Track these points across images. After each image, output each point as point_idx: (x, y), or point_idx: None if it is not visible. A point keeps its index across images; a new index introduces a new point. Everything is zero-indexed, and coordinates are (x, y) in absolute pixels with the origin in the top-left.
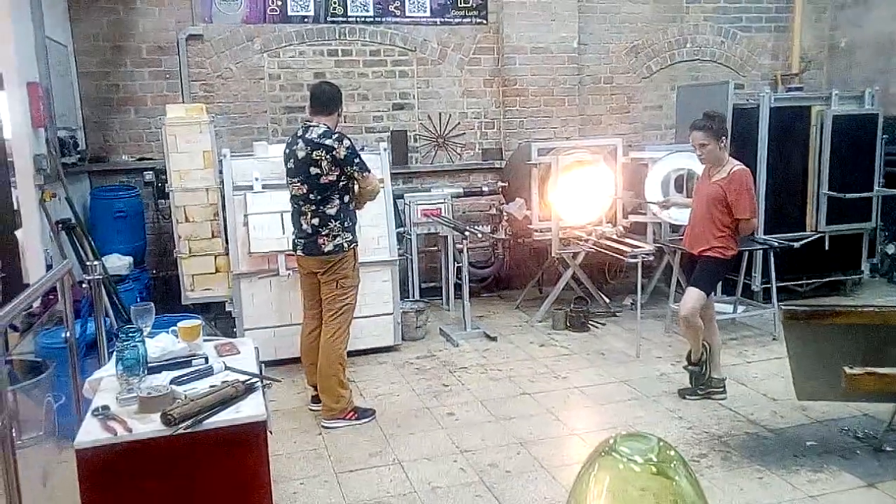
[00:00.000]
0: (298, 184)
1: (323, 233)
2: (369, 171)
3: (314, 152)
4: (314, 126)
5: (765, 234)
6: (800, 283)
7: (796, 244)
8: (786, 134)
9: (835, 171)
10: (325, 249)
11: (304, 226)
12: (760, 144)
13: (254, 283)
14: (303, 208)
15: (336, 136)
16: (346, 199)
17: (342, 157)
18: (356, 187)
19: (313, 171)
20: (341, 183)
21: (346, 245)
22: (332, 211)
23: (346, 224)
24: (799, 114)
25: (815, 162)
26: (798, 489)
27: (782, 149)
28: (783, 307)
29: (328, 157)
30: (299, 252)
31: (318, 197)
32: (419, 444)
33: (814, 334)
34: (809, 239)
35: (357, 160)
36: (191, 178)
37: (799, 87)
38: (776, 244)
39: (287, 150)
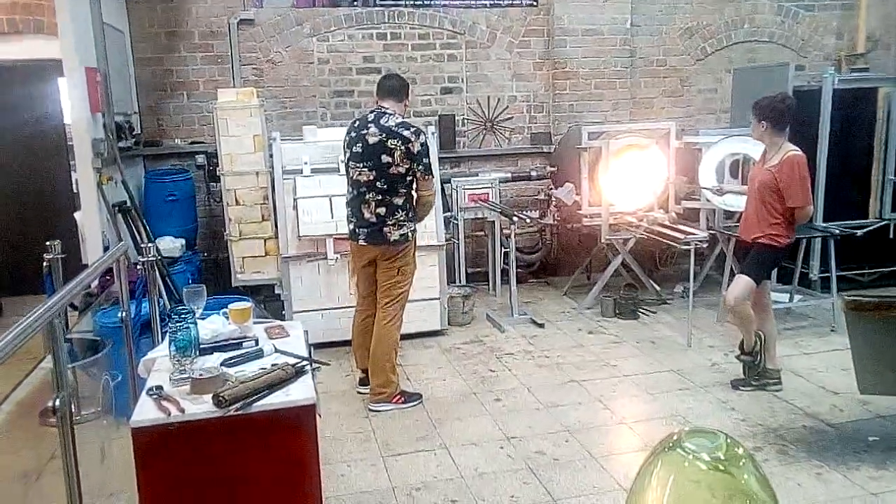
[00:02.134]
0: (366, 170)
1: (389, 222)
2: (431, 176)
3: (389, 140)
4: (390, 114)
5: (825, 221)
6: (861, 272)
7: (859, 232)
8: (849, 117)
9: None
10: (392, 239)
11: (367, 215)
12: (822, 128)
13: (302, 266)
14: (366, 196)
15: (414, 129)
16: (412, 190)
17: (415, 151)
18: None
19: (385, 159)
20: (409, 177)
21: (410, 234)
22: (399, 201)
23: (410, 214)
24: (864, 96)
25: (881, 146)
26: (858, 486)
27: (845, 132)
28: (847, 297)
29: (403, 147)
30: (361, 241)
31: (385, 186)
32: (466, 430)
33: (879, 326)
34: (873, 227)
35: (426, 160)
36: (241, 161)
37: (864, 68)
38: (837, 232)
39: (353, 134)
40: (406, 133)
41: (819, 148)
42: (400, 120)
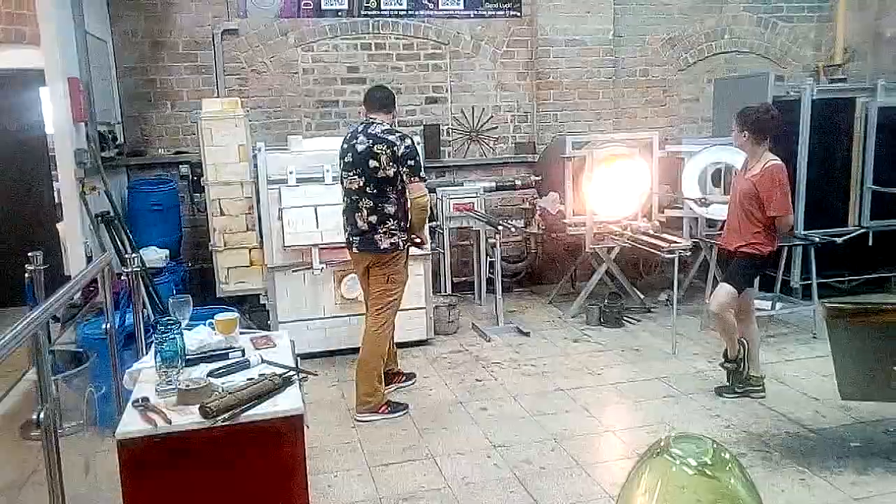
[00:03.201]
0: (356, 177)
1: (380, 230)
2: (420, 179)
3: (375, 146)
4: (377, 123)
5: (805, 229)
6: (841, 279)
7: (839, 240)
8: (828, 127)
9: (880, 164)
10: (382, 246)
11: (360, 223)
12: (801, 137)
13: (288, 276)
14: (359, 204)
15: (399, 134)
16: (403, 199)
17: (400, 153)
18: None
19: (372, 164)
20: (399, 182)
21: (401, 244)
22: (391, 209)
23: (402, 224)
24: (842, 106)
25: (859, 155)
26: (841, 491)
27: (824, 142)
28: (827, 304)
29: (388, 151)
30: (355, 249)
31: (375, 191)
32: (452, 439)
33: (859, 333)
34: (852, 234)
35: (412, 162)
36: (226, 171)
37: (842, 79)
38: (817, 240)
39: (345, 146)
40: (391, 137)
41: (799, 157)
42: (386, 126)
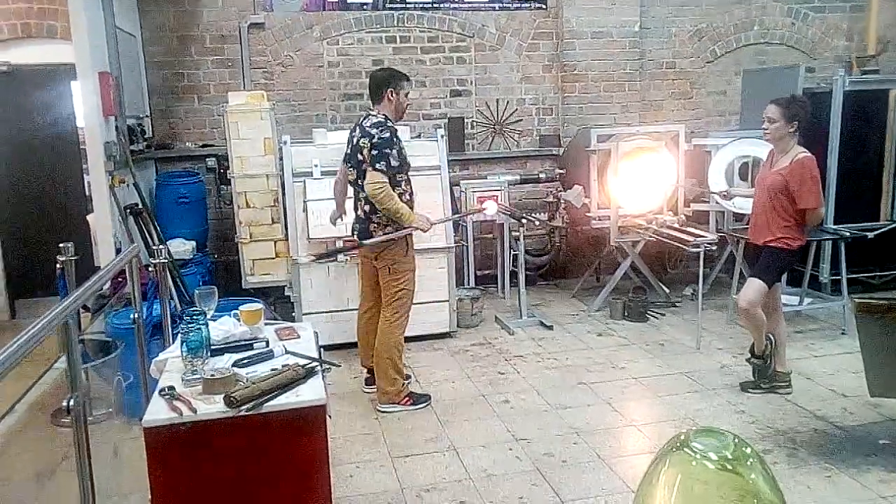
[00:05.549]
0: (351, 169)
1: (374, 220)
2: (377, 170)
3: (361, 140)
4: (372, 114)
5: (836, 223)
6: (872, 274)
7: (870, 234)
8: (860, 119)
9: None
10: (375, 236)
11: (358, 211)
12: (833, 130)
13: (312, 268)
14: (358, 195)
15: (382, 126)
16: (398, 190)
17: (371, 144)
18: (404, 182)
19: (359, 157)
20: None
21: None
22: None
23: None
24: (875, 98)
25: (892, 148)
26: (869, 489)
27: (856, 134)
28: (857, 300)
29: (369, 144)
30: (355, 236)
31: (363, 183)
32: (474, 432)
33: (890, 329)
34: (884, 229)
35: (375, 151)
36: (252, 164)
37: (875, 70)
38: (848, 234)
39: (348, 137)
40: (373, 131)
41: (830, 150)
42: (377, 119)
